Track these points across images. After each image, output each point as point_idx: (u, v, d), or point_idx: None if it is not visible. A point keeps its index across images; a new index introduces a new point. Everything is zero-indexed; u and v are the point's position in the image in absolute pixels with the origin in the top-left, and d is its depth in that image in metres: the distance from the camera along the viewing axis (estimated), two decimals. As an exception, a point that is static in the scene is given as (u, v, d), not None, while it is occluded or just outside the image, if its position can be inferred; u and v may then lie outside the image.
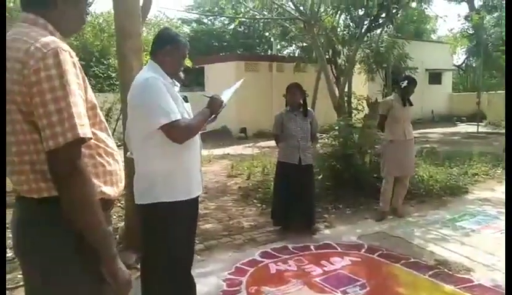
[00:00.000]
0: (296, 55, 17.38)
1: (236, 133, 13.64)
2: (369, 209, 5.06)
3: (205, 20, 21.96)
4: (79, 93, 1.17)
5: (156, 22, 8.14)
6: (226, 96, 2.49)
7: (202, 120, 2.29)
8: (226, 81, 15.29)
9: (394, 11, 7.30)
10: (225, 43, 22.00)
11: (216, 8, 16.55)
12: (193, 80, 15.69)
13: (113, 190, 1.34)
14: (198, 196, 2.47)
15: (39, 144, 1.16)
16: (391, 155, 4.73)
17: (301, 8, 7.43)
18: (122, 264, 1.26)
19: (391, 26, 8.22)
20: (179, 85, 2.50)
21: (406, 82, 4.77)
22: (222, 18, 19.24)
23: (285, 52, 21.17)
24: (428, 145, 9.36)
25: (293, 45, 19.84)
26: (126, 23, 3.39)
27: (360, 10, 8.38)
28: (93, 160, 1.27)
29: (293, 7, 7.33)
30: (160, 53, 2.27)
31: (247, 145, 11.53)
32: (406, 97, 4.74)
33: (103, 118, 1.35)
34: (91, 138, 1.18)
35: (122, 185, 1.40)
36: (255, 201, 5.47)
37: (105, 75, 7.19)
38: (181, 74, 3.29)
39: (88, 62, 8.16)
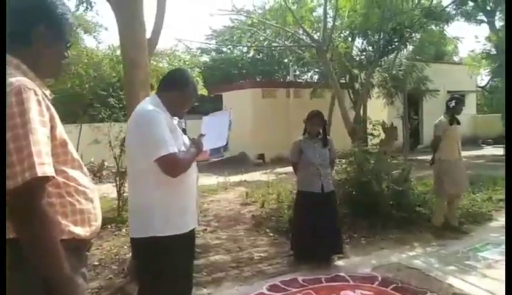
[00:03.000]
0: (315, 80, 17.44)
1: (253, 159, 13.62)
2: (386, 239, 4.86)
3: (224, 49, 22.42)
4: (42, 130, 1.15)
5: (171, 52, 8.31)
6: (209, 122, 2.48)
7: (193, 155, 2.28)
8: (244, 108, 15.35)
9: (407, 35, 7.24)
10: (244, 71, 22.32)
11: (234, 37, 16.84)
12: (211, 108, 15.87)
13: (84, 229, 1.30)
14: (194, 229, 2.42)
15: None
16: (446, 174, 4.98)
17: (315, 34, 7.46)
18: None
19: (405, 49, 8.15)
20: (177, 118, 2.50)
21: (454, 101, 5.10)
22: (240, 47, 19.58)
23: (304, 77, 21.27)
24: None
25: (312, 71, 19.96)
26: (133, 54, 3.47)
27: (375, 34, 8.35)
28: (61, 199, 1.24)
29: (305, 34, 7.36)
30: (166, 93, 2.28)
31: (265, 171, 11.45)
32: (455, 116, 5.03)
33: (76, 156, 1.33)
34: (51, 177, 1.14)
35: (96, 224, 1.36)
36: (267, 230, 5.35)
37: (120, 105, 7.39)
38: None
39: (109, 92, 8.36)
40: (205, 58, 21.72)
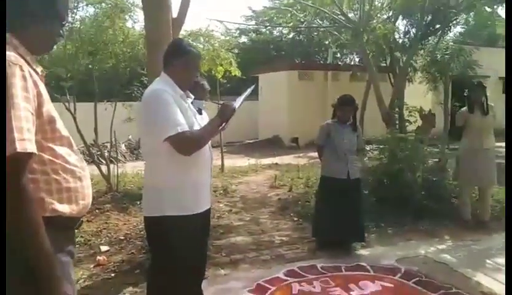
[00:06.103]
0: (356, 63, 16.88)
1: (287, 142, 13.49)
2: (414, 230, 4.67)
3: (263, 30, 22.14)
4: (25, 106, 1.14)
5: (206, 33, 8.25)
6: (238, 103, 2.40)
7: (210, 129, 2.24)
8: (279, 90, 15.11)
9: (451, 16, 6.75)
10: (283, 53, 21.99)
11: (275, 18, 16.51)
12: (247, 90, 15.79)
13: (70, 207, 1.29)
14: (209, 210, 2.40)
15: None
16: (467, 164, 4.81)
17: (352, 15, 7.15)
18: (67, 288, 1.20)
19: (451, 32, 7.64)
20: (192, 97, 2.47)
21: (467, 90, 5.03)
22: (280, 28, 19.22)
23: (346, 60, 20.57)
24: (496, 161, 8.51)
25: (354, 54, 19.29)
26: (155, 34, 3.44)
27: (417, 15, 7.87)
28: (46, 176, 1.24)
29: (341, 15, 7.05)
30: (172, 64, 2.25)
31: (298, 155, 11.33)
32: (472, 104, 4.80)
33: (65, 133, 1.32)
34: (31, 153, 1.13)
35: (84, 202, 1.35)
36: (292, 214, 5.29)
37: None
38: (206, 85, 3.27)
39: (143, 72, 8.47)
40: (243, 39, 21.56)
